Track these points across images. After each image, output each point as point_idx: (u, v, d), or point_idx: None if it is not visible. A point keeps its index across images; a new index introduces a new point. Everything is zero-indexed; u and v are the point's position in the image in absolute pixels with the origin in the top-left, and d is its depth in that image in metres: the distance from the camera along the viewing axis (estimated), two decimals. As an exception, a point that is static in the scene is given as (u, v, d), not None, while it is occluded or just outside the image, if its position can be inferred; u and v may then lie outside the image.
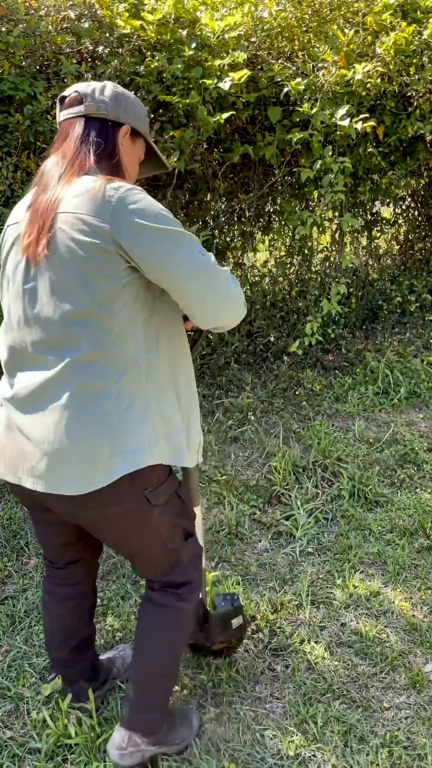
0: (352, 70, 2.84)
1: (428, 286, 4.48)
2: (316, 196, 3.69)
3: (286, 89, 2.81)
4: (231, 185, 3.58)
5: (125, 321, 1.28)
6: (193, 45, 2.71)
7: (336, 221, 3.83)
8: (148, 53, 2.72)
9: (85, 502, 1.30)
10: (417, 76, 3.01)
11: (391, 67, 2.93)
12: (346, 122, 2.76)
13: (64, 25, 2.68)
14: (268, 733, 1.70)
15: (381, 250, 4.83)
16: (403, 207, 4.73)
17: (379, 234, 4.68)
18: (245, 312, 1.43)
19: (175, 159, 2.73)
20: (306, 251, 4.11)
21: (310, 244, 4.10)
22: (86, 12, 2.68)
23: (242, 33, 2.85)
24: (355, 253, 4.54)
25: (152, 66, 2.65)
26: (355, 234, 4.49)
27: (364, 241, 4.65)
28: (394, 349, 3.93)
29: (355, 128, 2.79)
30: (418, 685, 1.82)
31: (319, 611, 2.10)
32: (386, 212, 4.81)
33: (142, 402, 1.31)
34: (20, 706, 1.78)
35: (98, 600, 2.14)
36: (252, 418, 3.28)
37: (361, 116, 2.81)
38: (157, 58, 2.65)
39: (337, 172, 2.95)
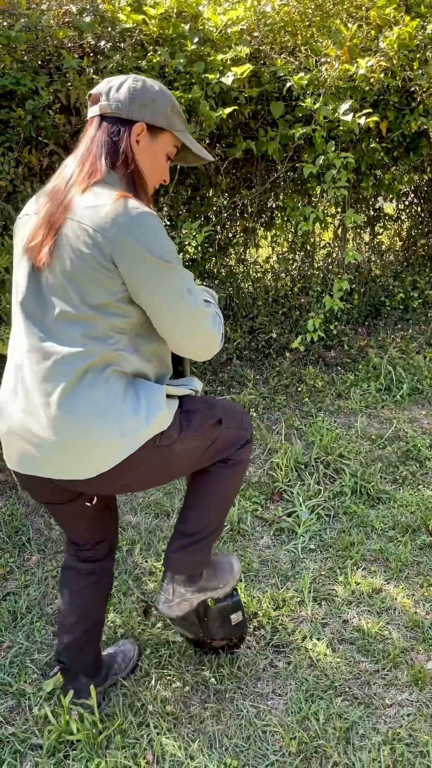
0: (356, 64, 2.82)
1: (431, 282, 4.47)
2: (318, 191, 3.68)
3: (288, 84, 2.80)
4: (233, 181, 3.57)
5: (115, 324, 1.35)
6: (196, 39, 2.69)
7: (339, 217, 3.82)
8: (151, 48, 2.71)
9: (104, 479, 1.38)
10: (420, 71, 2.99)
11: (394, 61, 2.91)
12: (349, 117, 2.75)
13: (66, 20, 2.66)
14: (269, 729, 1.70)
15: (384, 246, 4.82)
16: (406, 203, 4.71)
17: (381, 230, 4.66)
18: (216, 350, 1.50)
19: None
20: (308, 247, 4.10)
21: (312, 240, 4.09)
22: (88, 6, 2.66)
23: (245, 27, 2.84)
24: (357, 249, 4.53)
25: (154, 61, 2.64)
26: (358, 230, 4.48)
27: (366, 237, 4.64)
28: (396, 346, 3.92)
29: (358, 123, 2.77)
30: (420, 682, 1.82)
31: (321, 608, 2.10)
32: (389, 208, 4.80)
33: (129, 388, 1.38)
34: (22, 702, 1.78)
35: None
36: (254, 414, 3.27)
37: (364, 111, 2.80)
38: (159, 52, 2.64)
39: (339, 167, 2.94)
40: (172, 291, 1.33)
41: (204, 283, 3.70)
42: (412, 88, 3.08)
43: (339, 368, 3.75)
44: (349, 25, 2.94)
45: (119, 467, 1.37)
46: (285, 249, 4.18)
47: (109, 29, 2.70)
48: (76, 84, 2.55)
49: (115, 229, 1.27)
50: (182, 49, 2.70)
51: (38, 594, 2.16)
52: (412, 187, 4.58)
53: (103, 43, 2.70)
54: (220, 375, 3.61)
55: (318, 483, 2.73)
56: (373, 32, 3.04)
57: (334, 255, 4.11)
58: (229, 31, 2.75)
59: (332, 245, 4.14)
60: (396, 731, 1.68)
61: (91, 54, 2.74)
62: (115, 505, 1.75)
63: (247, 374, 3.59)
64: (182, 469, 1.57)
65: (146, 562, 2.30)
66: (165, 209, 3.25)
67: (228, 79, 2.62)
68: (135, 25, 2.67)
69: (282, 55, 2.91)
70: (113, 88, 1.41)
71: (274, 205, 3.88)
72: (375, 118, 2.77)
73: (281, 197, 3.74)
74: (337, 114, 2.78)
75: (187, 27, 2.72)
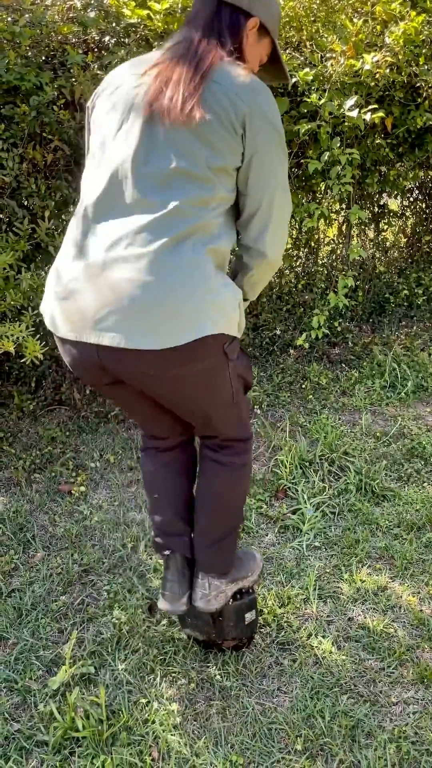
0: (361, 60, 2.81)
1: (436, 279, 4.45)
2: (323, 188, 3.66)
3: (293, 80, 2.78)
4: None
5: (224, 196, 1.38)
6: (201, 35, 2.68)
7: (343, 213, 3.80)
8: (155, 43, 2.70)
9: (165, 358, 1.33)
10: (426, 67, 2.98)
11: (400, 57, 2.90)
12: (354, 113, 2.74)
13: (71, 15, 2.66)
14: (275, 726, 1.70)
15: (388, 243, 4.79)
16: (411, 199, 4.69)
17: (386, 226, 4.64)
18: (272, 274, 1.55)
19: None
20: (313, 244, 4.08)
21: (316, 236, 4.07)
22: (92, 1, 2.65)
23: (250, 23, 2.82)
24: (362, 245, 4.50)
25: (159, 56, 2.63)
26: (363, 226, 4.46)
27: (371, 234, 4.61)
28: (401, 343, 3.91)
29: (364, 119, 2.76)
30: (426, 680, 1.82)
31: (327, 606, 2.10)
32: (393, 204, 4.78)
33: (220, 273, 1.39)
34: (27, 699, 1.78)
35: (104, 594, 2.14)
36: (258, 411, 3.27)
37: (370, 107, 2.78)
38: (164, 48, 2.62)
39: (344, 163, 2.93)
40: (281, 164, 1.41)
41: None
42: (418, 84, 3.06)
43: (343, 365, 3.74)
44: (355, 20, 2.92)
45: (187, 348, 1.32)
46: (289, 246, 4.16)
47: (114, 24, 2.69)
48: (80, 80, 2.55)
49: (251, 95, 1.35)
50: (187, 45, 2.69)
51: (43, 591, 2.16)
52: (417, 184, 4.55)
53: (107, 38, 2.69)
54: (224, 372, 3.60)
55: (323, 480, 2.72)
56: (378, 27, 3.02)
57: (339, 252, 4.09)
58: (234, 26, 2.73)
59: (337, 242, 4.13)
60: (402, 729, 1.68)
61: (96, 49, 2.73)
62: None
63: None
64: (220, 397, 1.51)
65: (150, 559, 2.30)
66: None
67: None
68: (140, 20, 2.66)
69: (287, 51, 2.90)
70: None
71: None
72: (380, 114, 2.76)
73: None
74: (342, 110, 2.77)
75: (191, 22, 2.70)
